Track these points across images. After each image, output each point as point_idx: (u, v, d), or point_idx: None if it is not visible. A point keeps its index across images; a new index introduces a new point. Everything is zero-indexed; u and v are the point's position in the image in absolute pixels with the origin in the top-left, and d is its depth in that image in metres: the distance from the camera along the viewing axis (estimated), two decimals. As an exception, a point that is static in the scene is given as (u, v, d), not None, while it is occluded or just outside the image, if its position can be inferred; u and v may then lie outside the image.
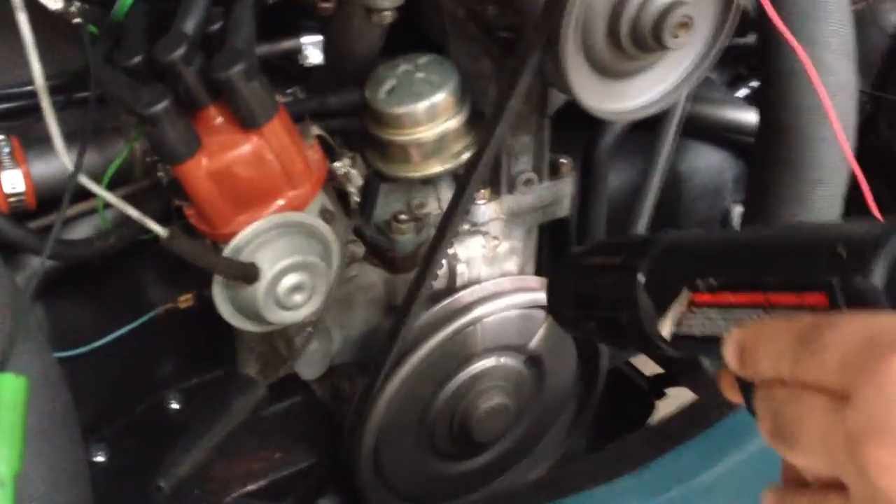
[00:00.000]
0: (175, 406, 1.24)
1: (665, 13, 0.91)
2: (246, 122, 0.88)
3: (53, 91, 1.02)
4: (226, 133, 0.89)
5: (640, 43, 0.94)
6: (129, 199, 1.04)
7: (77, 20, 0.90)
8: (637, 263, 0.65)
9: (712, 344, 0.55)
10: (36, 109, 1.03)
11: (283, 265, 0.91)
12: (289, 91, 1.12)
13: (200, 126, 0.89)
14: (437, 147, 1.04)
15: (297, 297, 0.93)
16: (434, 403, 1.16)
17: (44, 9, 0.89)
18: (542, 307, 1.16)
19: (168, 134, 0.84)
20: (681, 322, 0.60)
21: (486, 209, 1.18)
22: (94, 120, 0.97)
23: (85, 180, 0.85)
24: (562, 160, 1.22)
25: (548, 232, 1.33)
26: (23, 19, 0.77)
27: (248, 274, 0.90)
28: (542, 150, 1.19)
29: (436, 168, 1.04)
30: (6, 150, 0.99)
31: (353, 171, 0.99)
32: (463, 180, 1.02)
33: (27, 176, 0.98)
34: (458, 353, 1.14)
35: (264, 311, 0.92)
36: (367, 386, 1.09)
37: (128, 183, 1.03)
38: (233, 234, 0.92)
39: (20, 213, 0.99)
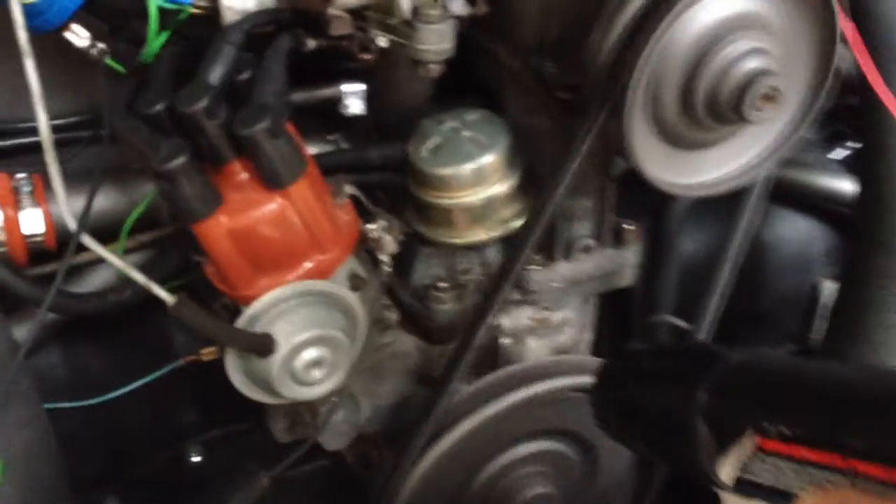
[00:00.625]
0: (195, 459, 1.19)
1: (748, 83, 0.82)
2: (269, 182, 0.82)
3: (83, 126, 0.99)
4: (249, 191, 0.84)
5: (718, 115, 0.86)
6: (154, 244, 1.00)
7: (104, 59, 0.86)
8: (698, 380, 0.58)
9: (783, 500, 0.49)
10: (64, 144, 1.01)
11: (302, 339, 0.85)
12: (330, 138, 1.06)
13: (223, 181, 0.84)
14: (484, 212, 0.97)
15: (316, 373, 0.87)
16: (469, 487, 1.09)
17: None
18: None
19: (185, 191, 0.80)
20: (745, 465, 0.53)
21: (538, 276, 1.10)
22: (119, 159, 0.93)
23: (88, 240, 0.80)
24: (627, 226, 1.13)
25: (609, 301, 1.24)
26: (30, 65, 0.73)
27: (262, 347, 0.84)
28: (604, 214, 1.10)
29: (481, 235, 0.97)
30: (27, 189, 0.96)
31: (387, 238, 0.92)
32: (515, 248, 0.94)
33: (47, 216, 0.95)
34: (500, 435, 1.06)
35: (279, 385, 0.86)
36: (396, 462, 1.02)
37: (153, 227, 0.99)
38: (254, 297, 0.87)
39: (39, 254, 0.96)
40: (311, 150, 1.06)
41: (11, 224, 0.93)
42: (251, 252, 0.85)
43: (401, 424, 1.08)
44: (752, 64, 0.81)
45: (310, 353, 0.86)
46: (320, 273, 0.89)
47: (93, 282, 0.98)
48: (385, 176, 1.00)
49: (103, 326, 1.06)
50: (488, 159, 0.94)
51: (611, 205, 1.09)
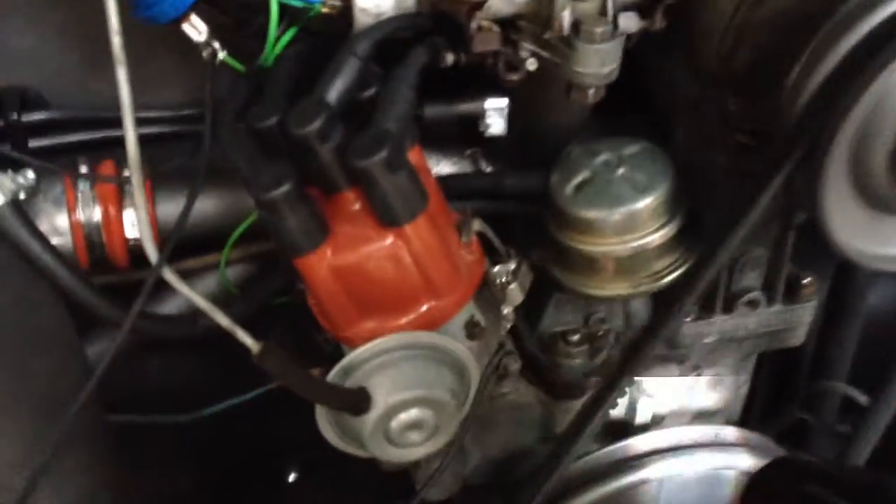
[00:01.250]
0: (293, 476, 1.14)
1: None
2: (383, 218, 0.73)
3: (194, 120, 0.93)
4: (361, 225, 0.75)
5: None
6: (260, 257, 0.93)
7: (217, 58, 0.78)
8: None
9: None
10: (171, 137, 0.95)
11: (401, 399, 0.76)
12: (468, 153, 0.95)
13: (333, 210, 0.75)
14: (633, 264, 0.85)
15: (415, 436, 0.78)
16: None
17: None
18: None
19: (286, 223, 0.71)
20: None
21: (689, 330, 0.97)
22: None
23: (169, 276, 0.73)
24: (804, 279, 0.98)
25: (771, 360, 1.10)
26: (122, 75, 0.65)
27: (354, 405, 0.76)
28: (779, 266, 0.96)
29: (625, 290, 0.85)
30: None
31: (514, 288, 0.81)
32: (668, 302, 0.82)
33: (152, 217, 0.89)
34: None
35: (370, 446, 0.78)
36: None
37: (262, 239, 0.91)
38: (356, 340, 0.78)
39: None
40: (443, 167, 0.96)
41: (113, 224, 0.87)
42: (356, 292, 0.77)
43: (512, 479, 0.98)
44: None
45: (409, 415, 0.77)
46: (433, 320, 0.79)
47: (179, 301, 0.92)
48: (521, 208, 0.88)
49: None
50: (643, 204, 0.81)
51: (788, 255, 0.95)
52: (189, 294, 0.73)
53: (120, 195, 0.88)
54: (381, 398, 0.76)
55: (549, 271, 0.88)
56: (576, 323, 0.93)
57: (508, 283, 0.81)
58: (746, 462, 0.91)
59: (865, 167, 0.72)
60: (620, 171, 0.83)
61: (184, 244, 0.88)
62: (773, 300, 0.98)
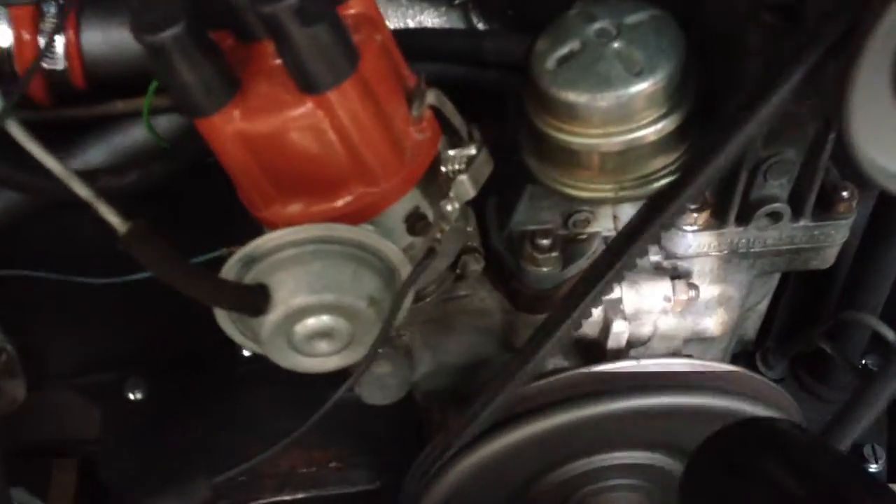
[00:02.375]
0: (247, 353, 1.04)
1: None
2: (299, 82, 0.59)
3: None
4: (278, 85, 0.61)
5: None
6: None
7: None
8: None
9: None
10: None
11: (305, 303, 0.64)
12: (458, 2, 0.80)
13: (249, 63, 0.62)
14: (621, 163, 0.70)
15: (323, 346, 0.67)
16: (540, 484, 0.87)
17: None
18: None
19: (181, 76, 0.58)
20: None
21: (693, 241, 0.83)
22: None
23: (14, 128, 0.60)
24: (843, 191, 0.83)
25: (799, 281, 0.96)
26: None
27: (248, 305, 0.64)
28: (812, 174, 0.80)
29: (608, 192, 0.71)
30: (52, 9, 0.77)
31: (464, 180, 0.67)
32: (652, 207, 0.67)
33: (73, 46, 0.76)
34: (593, 437, 0.83)
35: (270, 352, 0.67)
36: (452, 432, 0.82)
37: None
38: (280, 223, 0.66)
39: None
40: (426, 18, 0.81)
41: (26, 51, 0.74)
42: (272, 167, 0.64)
43: (470, 388, 0.87)
44: None
45: (316, 322, 0.65)
46: (365, 209, 0.67)
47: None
48: (504, 79, 0.73)
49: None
50: (636, 90, 0.66)
51: (825, 162, 0.79)
52: (36, 151, 0.60)
53: (36, 19, 0.74)
54: (282, 300, 0.64)
55: (524, 160, 0.74)
56: (553, 223, 0.79)
57: (458, 172, 0.67)
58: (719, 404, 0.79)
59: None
60: (616, 44, 0.68)
61: (116, 82, 0.76)
62: (801, 214, 0.83)
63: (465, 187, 0.68)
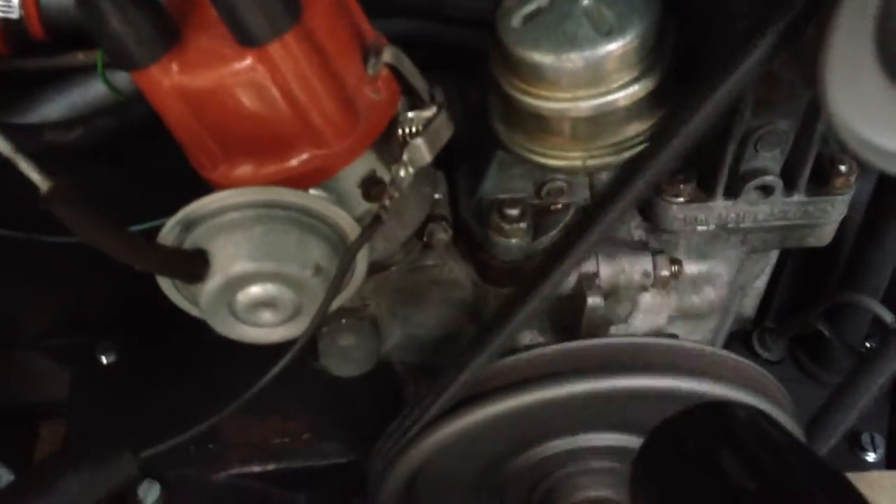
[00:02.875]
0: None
1: None
2: (237, 35, 0.56)
3: None
4: (219, 37, 0.58)
5: None
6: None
7: None
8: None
9: None
10: None
11: (244, 270, 0.61)
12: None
13: (193, 16, 0.59)
14: (592, 129, 0.66)
15: (267, 316, 0.64)
16: (510, 466, 0.84)
17: None
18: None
19: (111, 24, 0.55)
20: None
21: (679, 213, 0.79)
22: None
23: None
24: (840, 164, 0.78)
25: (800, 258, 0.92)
26: None
27: (183, 270, 0.61)
28: (806, 145, 0.76)
29: (577, 160, 0.67)
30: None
31: (419, 143, 0.64)
32: (622, 178, 0.63)
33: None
34: (562, 418, 0.80)
35: (211, 320, 0.64)
36: (417, 408, 0.79)
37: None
38: (229, 185, 0.63)
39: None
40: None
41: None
42: (216, 125, 0.61)
43: (442, 361, 0.84)
44: None
45: (258, 290, 0.62)
46: (316, 172, 0.64)
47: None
48: (469, 37, 0.69)
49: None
50: (607, 50, 0.62)
51: (819, 132, 0.75)
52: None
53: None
54: (220, 266, 0.61)
55: (491, 125, 0.70)
56: (525, 192, 0.75)
57: (414, 135, 0.63)
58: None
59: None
60: (585, 2, 0.63)
61: (77, 33, 0.73)
62: (794, 188, 0.79)
63: (421, 151, 0.64)
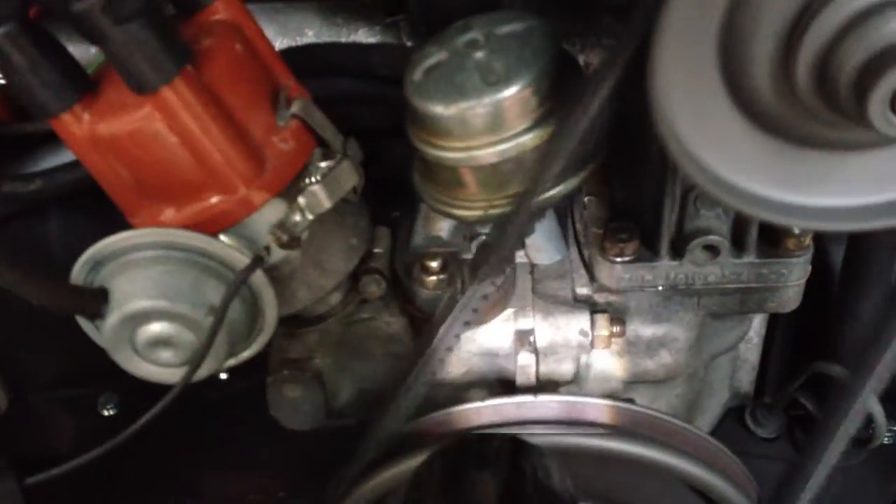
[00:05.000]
0: (223, 376, 1.05)
1: (881, 66, 0.44)
2: (129, 83, 0.60)
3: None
4: (125, 87, 0.62)
5: (832, 102, 0.48)
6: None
7: None
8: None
9: None
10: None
11: (137, 308, 0.63)
12: (389, 20, 0.79)
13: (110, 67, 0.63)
14: (496, 179, 0.66)
15: (167, 355, 0.66)
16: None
17: None
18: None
19: (21, 73, 0.60)
20: None
21: (624, 273, 0.77)
22: None
23: None
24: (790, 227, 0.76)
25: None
26: None
27: (83, 307, 0.64)
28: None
29: (478, 210, 0.67)
30: None
31: (316, 190, 0.65)
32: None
33: None
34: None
35: (114, 355, 0.66)
36: (349, 464, 0.79)
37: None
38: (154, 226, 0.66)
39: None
40: (360, 35, 0.80)
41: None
42: (132, 171, 0.65)
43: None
44: None
45: (156, 329, 0.64)
46: (225, 216, 0.66)
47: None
48: (394, 92, 0.71)
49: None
50: (493, 99, 0.62)
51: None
52: None
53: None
54: (118, 304, 0.64)
55: (411, 179, 0.72)
56: (457, 245, 0.75)
57: (313, 183, 0.65)
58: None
59: (743, 66, 0.50)
60: (479, 54, 0.64)
61: None
62: (743, 249, 0.76)
63: (318, 198, 0.66)
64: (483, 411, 0.72)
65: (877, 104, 0.45)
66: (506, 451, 0.52)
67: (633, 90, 0.66)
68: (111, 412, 1.04)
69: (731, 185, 0.53)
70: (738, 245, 0.77)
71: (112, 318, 0.64)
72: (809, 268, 0.78)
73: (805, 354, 0.95)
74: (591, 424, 0.71)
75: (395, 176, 0.79)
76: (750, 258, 0.77)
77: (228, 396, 1.06)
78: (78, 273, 0.65)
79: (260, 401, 0.85)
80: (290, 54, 0.71)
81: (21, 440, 1.06)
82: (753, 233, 0.76)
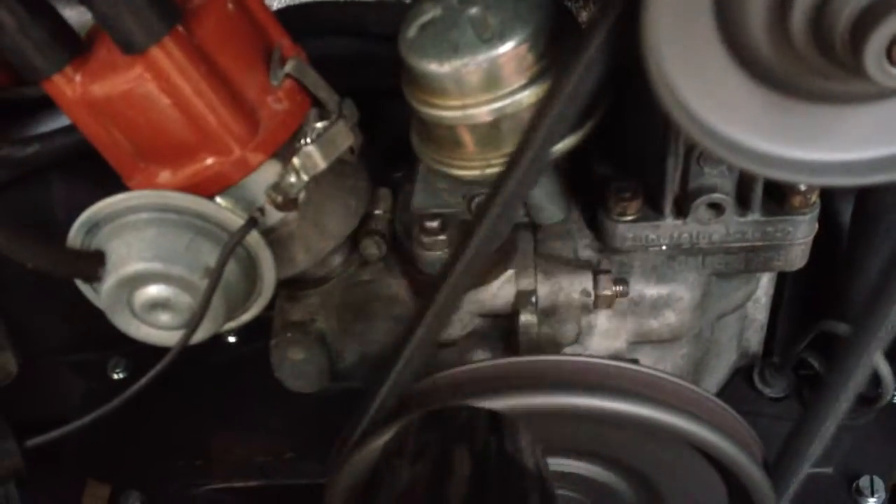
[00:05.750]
0: (231, 339, 1.05)
1: (875, 15, 0.42)
2: (118, 43, 0.59)
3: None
4: (116, 49, 0.61)
5: (828, 53, 0.47)
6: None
7: None
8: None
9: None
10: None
11: (133, 270, 0.63)
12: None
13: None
14: (493, 138, 0.65)
15: (165, 318, 0.65)
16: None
17: None
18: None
19: (9, 34, 0.59)
20: None
21: (627, 233, 0.76)
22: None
23: None
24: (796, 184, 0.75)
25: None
26: None
27: (79, 270, 0.64)
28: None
29: (475, 170, 0.66)
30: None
31: (311, 150, 0.65)
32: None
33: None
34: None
35: (112, 318, 0.66)
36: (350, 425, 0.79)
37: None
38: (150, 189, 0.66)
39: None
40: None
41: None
42: (126, 132, 0.64)
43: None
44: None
45: (153, 291, 0.64)
46: (219, 178, 0.66)
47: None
48: (389, 51, 0.70)
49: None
50: (486, 56, 0.61)
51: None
52: None
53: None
54: (113, 267, 0.64)
55: (410, 139, 0.71)
56: (456, 206, 0.74)
57: (307, 143, 0.65)
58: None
59: (739, 16, 0.49)
60: (473, 10, 0.63)
61: None
62: (748, 207, 0.75)
63: (312, 159, 0.65)
64: (485, 372, 0.71)
65: (872, 54, 0.43)
66: (478, 423, 0.51)
67: (631, 44, 0.65)
68: (121, 376, 1.05)
69: (730, 140, 0.52)
70: (743, 203, 0.75)
71: (109, 281, 0.64)
72: (816, 225, 0.77)
73: (814, 313, 0.94)
74: (593, 385, 0.70)
75: (396, 137, 0.78)
76: (755, 216, 0.76)
77: (236, 359, 1.07)
78: (74, 236, 0.65)
79: (267, 363, 0.85)
80: (284, 14, 0.70)
81: (31, 404, 1.07)
82: (758, 190, 0.75)
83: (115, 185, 0.68)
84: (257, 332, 0.99)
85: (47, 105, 0.83)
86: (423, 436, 0.50)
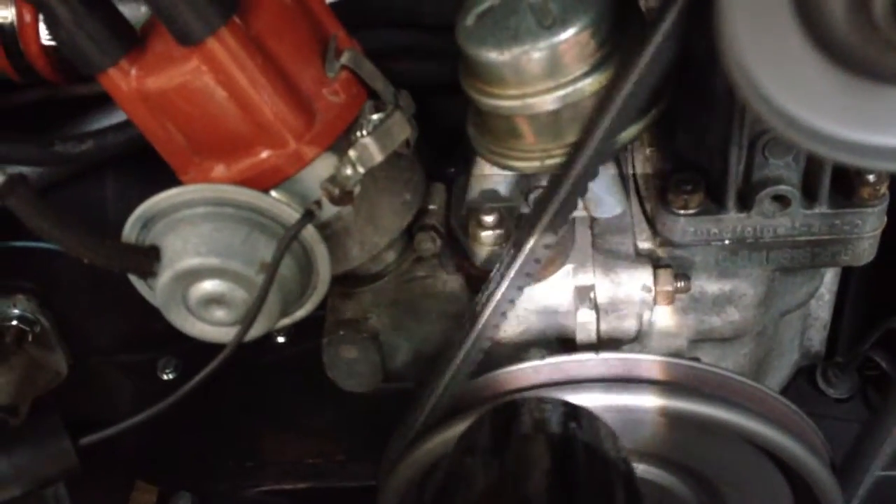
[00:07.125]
0: (280, 339, 1.05)
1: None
2: (174, 34, 0.59)
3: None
4: (172, 41, 0.61)
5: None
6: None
7: None
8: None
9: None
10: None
11: (188, 265, 0.62)
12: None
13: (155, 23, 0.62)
14: (554, 128, 0.64)
15: (220, 313, 0.65)
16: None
17: None
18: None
19: (66, 28, 0.59)
20: None
21: (689, 226, 0.74)
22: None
23: None
24: (867, 173, 0.72)
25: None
26: None
27: (134, 265, 0.63)
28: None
29: (535, 160, 0.65)
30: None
31: (367, 142, 0.64)
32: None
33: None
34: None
35: (168, 315, 0.65)
36: (404, 425, 0.78)
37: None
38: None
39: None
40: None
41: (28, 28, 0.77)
42: (181, 126, 0.64)
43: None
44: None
45: (208, 286, 0.63)
46: (275, 171, 0.65)
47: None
48: (443, 43, 0.69)
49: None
50: (548, 43, 0.60)
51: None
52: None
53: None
54: (169, 261, 0.63)
55: (467, 131, 0.69)
56: (513, 200, 0.73)
57: (364, 135, 0.64)
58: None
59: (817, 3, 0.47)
60: (533, -2, 0.62)
61: None
62: (815, 199, 0.73)
63: (369, 151, 0.64)
64: (542, 370, 0.70)
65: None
66: (557, 414, 0.50)
67: (698, 30, 0.64)
68: (170, 376, 1.05)
69: (809, 126, 0.50)
70: (810, 195, 0.73)
71: (164, 277, 0.63)
72: (885, 218, 0.75)
73: (880, 311, 0.91)
74: (654, 383, 0.68)
75: (450, 131, 0.77)
76: (822, 209, 0.73)
77: (286, 360, 1.06)
78: (129, 231, 0.64)
79: (318, 364, 0.84)
80: (339, 6, 0.69)
81: (82, 404, 1.07)
82: (826, 182, 0.72)
83: (167, 182, 0.67)
84: (307, 332, 0.99)
85: (99, 103, 0.84)
86: (497, 432, 0.49)
